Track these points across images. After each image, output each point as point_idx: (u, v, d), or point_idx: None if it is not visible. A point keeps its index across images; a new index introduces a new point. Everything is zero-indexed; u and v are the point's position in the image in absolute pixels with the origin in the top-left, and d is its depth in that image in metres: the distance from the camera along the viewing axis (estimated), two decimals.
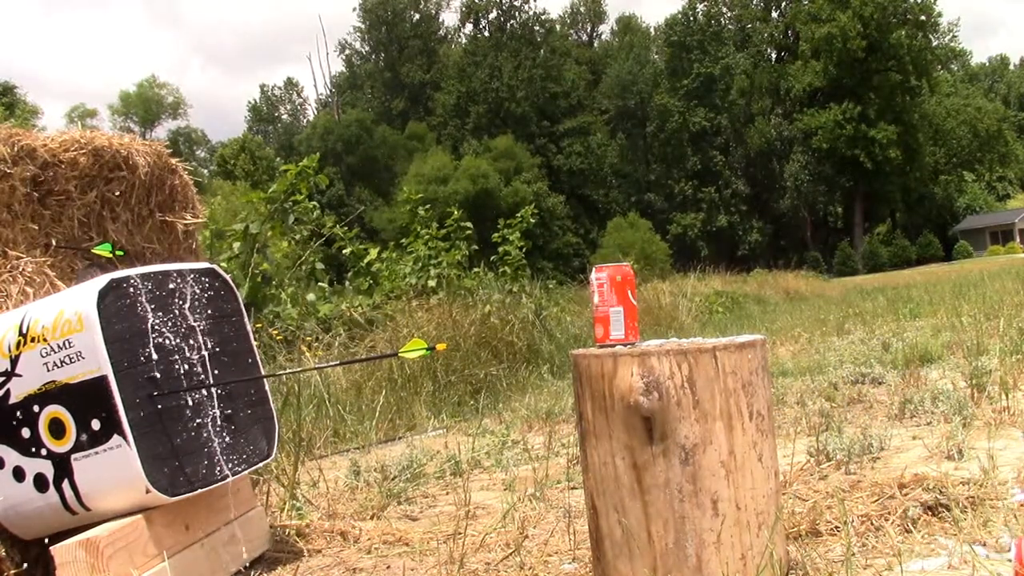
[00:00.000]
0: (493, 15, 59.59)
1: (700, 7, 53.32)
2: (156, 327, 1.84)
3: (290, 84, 67.79)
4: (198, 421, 1.88)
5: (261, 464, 2.07)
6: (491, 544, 2.11)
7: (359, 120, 53.00)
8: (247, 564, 2.04)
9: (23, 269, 2.08)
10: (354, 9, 66.99)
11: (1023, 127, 56.49)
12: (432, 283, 7.54)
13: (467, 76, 54.87)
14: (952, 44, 53.86)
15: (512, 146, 49.62)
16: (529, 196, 39.06)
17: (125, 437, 1.70)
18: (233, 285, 2.09)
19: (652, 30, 61.28)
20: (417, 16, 60.53)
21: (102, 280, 1.78)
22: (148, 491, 1.72)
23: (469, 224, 8.56)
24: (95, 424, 1.72)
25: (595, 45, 63.51)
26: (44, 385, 1.76)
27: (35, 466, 1.79)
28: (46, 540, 1.80)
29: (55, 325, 1.74)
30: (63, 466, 1.76)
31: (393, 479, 2.97)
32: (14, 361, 1.79)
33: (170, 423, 1.80)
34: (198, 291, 1.97)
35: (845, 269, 44.00)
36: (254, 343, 2.12)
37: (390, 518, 2.56)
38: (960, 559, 1.62)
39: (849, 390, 3.84)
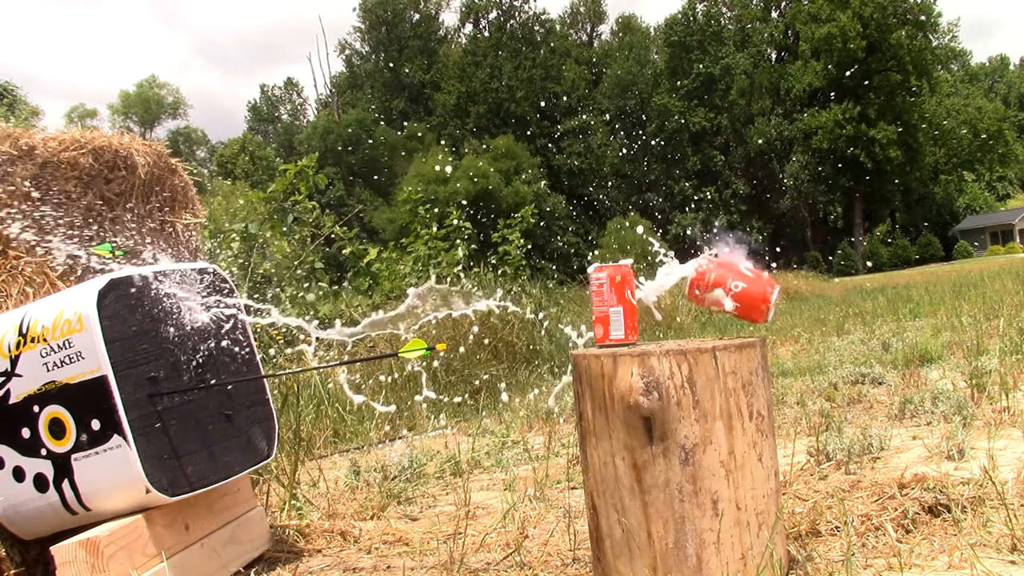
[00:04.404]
0: (493, 15, 59.60)
1: (700, 7, 53.30)
2: (156, 327, 1.84)
3: (290, 84, 67.80)
4: (198, 421, 1.88)
5: (261, 464, 2.07)
6: (491, 544, 2.11)
7: (359, 120, 52.97)
8: (247, 564, 2.05)
9: (23, 269, 2.08)
10: (354, 9, 67.11)
11: (1023, 127, 56.48)
12: (432, 283, 7.54)
13: (467, 76, 54.82)
14: (952, 44, 53.87)
15: (512, 146, 49.57)
16: (529, 196, 39.09)
17: (125, 437, 1.70)
18: (233, 285, 2.09)
19: (652, 30, 61.26)
20: (417, 16, 60.50)
21: (102, 280, 1.78)
22: (148, 491, 1.72)
23: (468, 224, 8.58)
24: (95, 424, 1.72)
25: (595, 45, 63.44)
26: (44, 385, 1.76)
27: (35, 466, 1.79)
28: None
29: (55, 325, 1.74)
30: (63, 466, 1.76)
31: (393, 479, 2.97)
32: (14, 361, 1.79)
33: (170, 423, 1.80)
34: (198, 291, 1.97)
35: (845, 269, 43.97)
36: (254, 343, 2.12)
37: (390, 518, 2.56)
38: (960, 559, 1.62)
39: (849, 390, 3.84)
